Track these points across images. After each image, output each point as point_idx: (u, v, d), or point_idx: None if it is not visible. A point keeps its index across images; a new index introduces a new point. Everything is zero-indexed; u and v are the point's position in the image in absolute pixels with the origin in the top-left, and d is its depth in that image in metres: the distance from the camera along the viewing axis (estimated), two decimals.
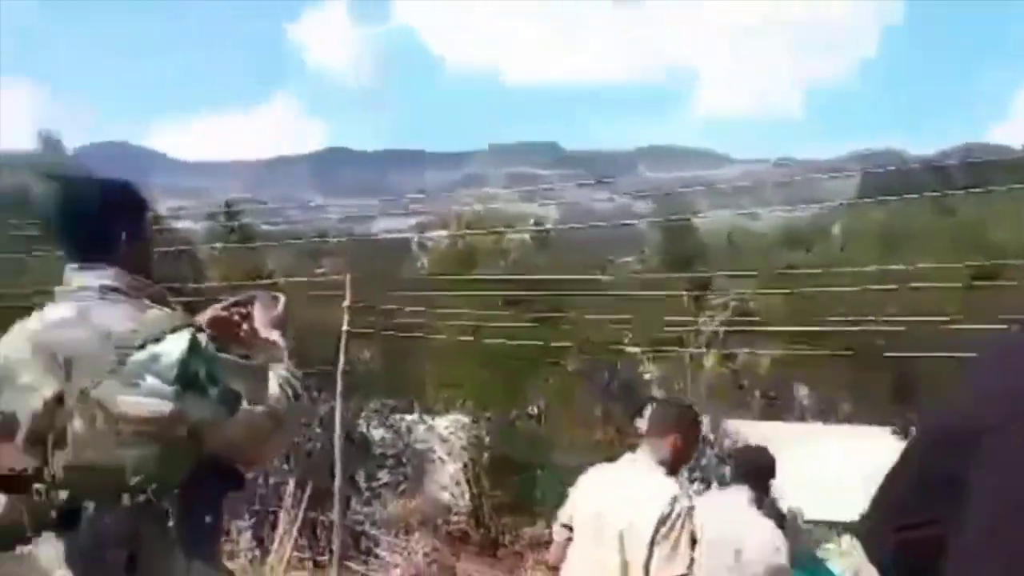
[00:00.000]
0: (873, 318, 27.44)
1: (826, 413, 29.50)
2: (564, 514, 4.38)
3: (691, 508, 4.00)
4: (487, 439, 20.32)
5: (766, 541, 4.74)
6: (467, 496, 19.73)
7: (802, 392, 29.75)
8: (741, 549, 4.65)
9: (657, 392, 27.10)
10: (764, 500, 5.01)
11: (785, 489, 18.03)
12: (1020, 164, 30.28)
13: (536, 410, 23.07)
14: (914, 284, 28.95)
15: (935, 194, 30.58)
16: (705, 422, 18.12)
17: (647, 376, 26.52)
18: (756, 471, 5.06)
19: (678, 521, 3.91)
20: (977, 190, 25.70)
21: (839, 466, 23.27)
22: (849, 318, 26.90)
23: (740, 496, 4.88)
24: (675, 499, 3.96)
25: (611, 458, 4.48)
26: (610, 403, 21.43)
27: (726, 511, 4.77)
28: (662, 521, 3.89)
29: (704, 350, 28.47)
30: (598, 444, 18.92)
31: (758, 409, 28.71)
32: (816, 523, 17.46)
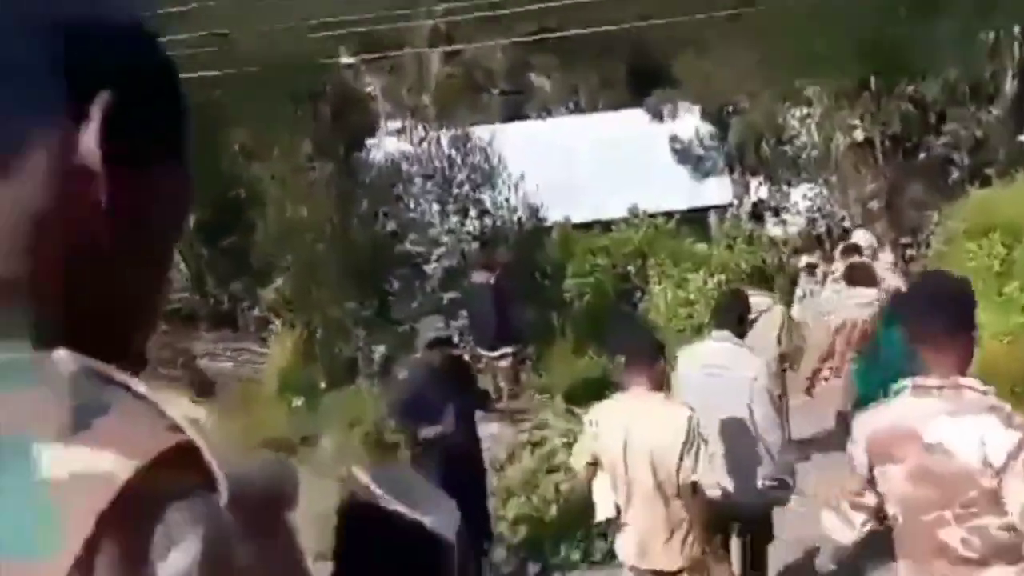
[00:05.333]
0: None
1: (568, 102, 26.86)
2: (584, 453, 5.17)
3: (698, 421, 4.79)
4: None
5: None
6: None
7: (543, 82, 26.75)
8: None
9: (384, 105, 23.56)
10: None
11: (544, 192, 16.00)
12: None
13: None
14: None
15: None
16: None
17: (368, 89, 22.75)
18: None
19: (695, 437, 4.74)
20: None
21: (594, 156, 21.21)
22: None
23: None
24: (690, 419, 4.76)
25: None
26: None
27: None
28: (685, 442, 4.72)
29: (428, 49, 24.99)
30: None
31: (497, 108, 25.68)
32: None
